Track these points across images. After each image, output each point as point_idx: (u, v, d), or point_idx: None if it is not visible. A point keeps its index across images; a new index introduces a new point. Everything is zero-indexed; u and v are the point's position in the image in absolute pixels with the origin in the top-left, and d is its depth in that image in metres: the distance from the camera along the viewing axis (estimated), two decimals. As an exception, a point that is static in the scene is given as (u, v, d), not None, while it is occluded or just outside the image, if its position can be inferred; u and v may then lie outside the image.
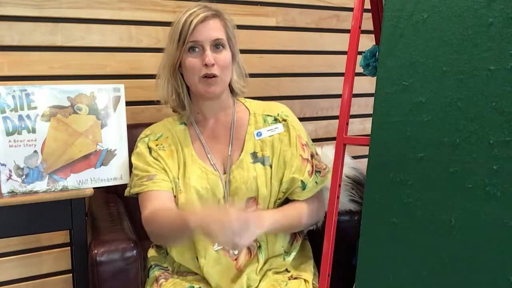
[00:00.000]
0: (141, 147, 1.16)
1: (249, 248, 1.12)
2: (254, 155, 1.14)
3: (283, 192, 1.15)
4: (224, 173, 1.14)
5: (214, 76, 1.09)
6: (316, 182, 1.15)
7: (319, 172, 1.17)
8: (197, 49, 1.09)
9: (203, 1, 1.14)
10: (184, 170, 1.13)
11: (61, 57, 1.53)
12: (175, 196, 1.12)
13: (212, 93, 1.11)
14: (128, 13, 1.61)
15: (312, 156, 1.18)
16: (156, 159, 1.13)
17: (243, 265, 1.11)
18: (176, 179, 1.12)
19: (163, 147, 1.15)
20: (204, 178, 1.12)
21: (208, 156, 1.15)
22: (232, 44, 1.14)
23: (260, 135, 1.16)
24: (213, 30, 1.09)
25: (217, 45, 1.10)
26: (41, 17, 1.49)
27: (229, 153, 1.15)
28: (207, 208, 1.07)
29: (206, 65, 1.08)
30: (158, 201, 1.09)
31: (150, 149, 1.14)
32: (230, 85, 1.18)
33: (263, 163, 1.14)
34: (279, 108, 1.21)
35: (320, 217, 1.20)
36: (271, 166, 1.14)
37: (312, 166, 1.16)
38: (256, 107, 1.22)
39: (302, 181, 1.13)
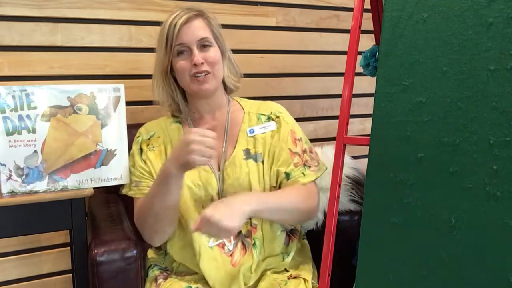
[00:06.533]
0: (134, 148, 1.19)
1: (244, 244, 1.13)
2: (247, 151, 1.15)
3: (274, 187, 1.15)
4: (219, 170, 1.15)
5: (206, 72, 1.10)
6: (303, 173, 1.14)
7: (309, 167, 1.16)
8: (185, 52, 1.11)
9: (201, 1, 1.15)
10: None
11: (61, 57, 1.53)
12: None
13: (206, 91, 1.12)
14: (128, 13, 1.61)
15: (304, 151, 1.18)
16: (145, 162, 1.16)
17: (239, 261, 1.11)
18: None
19: (153, 147, 1.17)
20: (196, 175, 1.13)
21: None
22: (219, 41, 1.15)
23: (253, 132, 1.17)
24: (198, 29, 1.11)
25: (203, 44, 1.11)
26: (41, 17, 1.49)
27: (223, 150, 1.16)
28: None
29: (195, 65, 1.09)
30: None
31: (141, 150, 1.18)
32: (223, 83, 1.19)
33: (255, 160, 1.15)
34: (273, 107, 1.23)
35: (312, 210, 1.16)
36: (263, 162, 1.15)
37: (302, 160, 1.16)
38: (251, 106, 1.23)
39: (286, 173, 1.14)
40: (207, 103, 1.18)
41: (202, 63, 1.09)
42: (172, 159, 1.01)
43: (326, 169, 1.20)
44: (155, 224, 1.09)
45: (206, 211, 0.96)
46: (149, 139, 1.19)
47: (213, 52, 1.12)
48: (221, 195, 1.13)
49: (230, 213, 0.97)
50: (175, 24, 1.09)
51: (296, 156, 1.16)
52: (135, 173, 1.16)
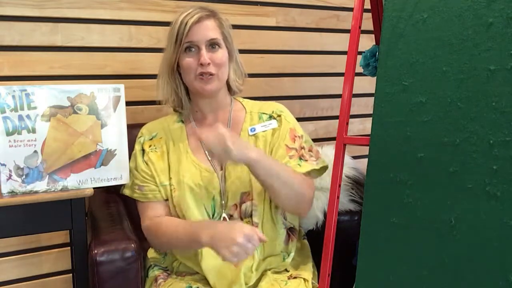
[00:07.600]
0: (136, 148, 1.20)
1: None
2: None
3: None
4: (221, 169, 1.15)
5: (210, 74, 1.10)
6: (298, 165, 1.13)
7: (305, 160, 1.15)
8: (193, 49, 1.11)
9: (202, 1, 1.15)
10: (178, 168, 1.14)
11: (61, 57, 1.53)
12: (166, 199, 1.16)
13: (209, 91, 1.13)
14: (128, 13, 1.61)
15: (302, 148, 1.17)
16: (147, 164, 1.17)
17: (241, 261, 1.11)
18: (165, 182, 1.15)
19: (155, 148, 1.18)
20: (198, 175, 1.13)
21: (205, 152, 1.16)
22: (228, 43, 1.15)
23: (254, 130, 1.18)
24: (208, 30, 1.11)
25: (212, 44, 1.12)
26: (41, 17, 1.49)
27: None
28: (216, 224, 1.06)
29: (201, 64, 1.09)
30: (152, 212, 1.16)
31: (143, 151, 1.18)
32: (228, 84, 1.19)
33: None
34: (274, 106, 1.23)
35: (306, 200, 1.13)
36: None
37: (298, 154, 1.15)
38: (253, 106, 1.24)
39: None
40: (209, 103, 1.19)
41: (208, 64, 1.10)
42: (210, 237, 0.98)
43: (327, 166, 1.19)
44: (168, 247, 1.16)
45: (221, 127, 0.99)
46: (151, 139, 1.19)
47: (221, 54, 1.12)
48: (223, 194, 1.13)
49: (239, 143, 1.00)
50: (186, 23, 1.09)
51: (292, 151, 1.15)
52: (138, 176, 1.17)
